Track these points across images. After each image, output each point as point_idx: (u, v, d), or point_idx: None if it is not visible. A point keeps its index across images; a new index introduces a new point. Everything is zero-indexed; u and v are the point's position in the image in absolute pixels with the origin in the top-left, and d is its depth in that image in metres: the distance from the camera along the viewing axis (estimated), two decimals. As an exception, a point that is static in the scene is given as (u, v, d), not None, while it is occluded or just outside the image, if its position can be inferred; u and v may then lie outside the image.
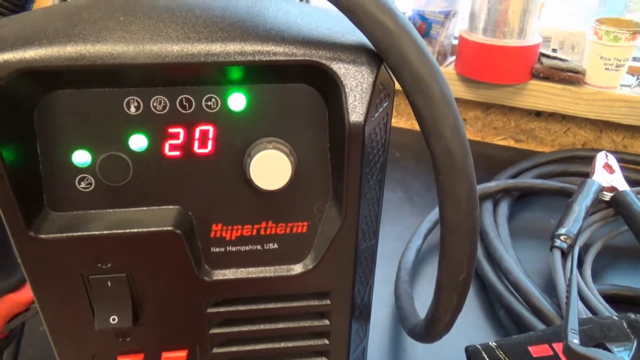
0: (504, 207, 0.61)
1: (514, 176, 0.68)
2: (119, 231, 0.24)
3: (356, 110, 0.22)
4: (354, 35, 0.23)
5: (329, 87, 0.23)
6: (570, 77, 0.70)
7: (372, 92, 0.22)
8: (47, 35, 0.21)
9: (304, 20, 0.24)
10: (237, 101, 0.24)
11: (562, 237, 0.50)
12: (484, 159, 0.76)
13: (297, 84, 0.24)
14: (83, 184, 0.24)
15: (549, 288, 0.50)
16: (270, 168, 0.23)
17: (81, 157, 0.23)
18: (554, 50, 0.76)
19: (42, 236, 0.23)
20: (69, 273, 0.25)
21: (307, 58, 0.22)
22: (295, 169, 0.24)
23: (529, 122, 0.80)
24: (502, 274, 0.51)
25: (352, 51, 0.22)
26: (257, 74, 0.23)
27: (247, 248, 0.26)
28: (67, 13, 0.22)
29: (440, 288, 0.27)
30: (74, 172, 0.24)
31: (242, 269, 0.26)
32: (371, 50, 0.23)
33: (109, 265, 0.25)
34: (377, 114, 0.23)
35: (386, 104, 0.24)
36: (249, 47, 0.22)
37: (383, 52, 0.22)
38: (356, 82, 0.22)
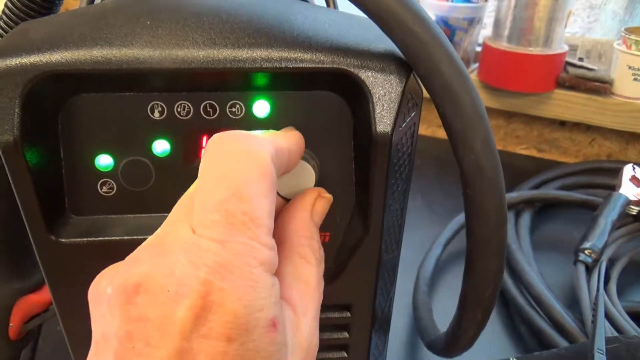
0: (526, 219, 0.60)
1: (537, 187, 0.66)
2: (139, 237, 0.24)
3: (383, 120, 0.22)
4: (383, 42, 0.23)
5: (356, 96, 0.22)
6: (597, 87, 0.69)
7: (400, 102, 0.22)
8: (73, 39, 0.21)
9: (332, 27, 0.23)
10: (261, 108, 0.23)
11: (586, 252, 0.49)
12: (505, 168, 0.74)
13: (323, 91, 0.23)
14: (105, 189, 0.24)
15: (572, 303, 0.49)
16: (294, 176, 0.23)
17: (104, 161, 0.23)
18: (581, 59, 0.75)
19: (63, 240, 0.23)
20: (88, 277, 0.24)
21: (334, 66, 0.22)
22: (319, 178, 0.23)
23: (553, 131, 0.78)
24: (523, 287, 0.50)
25: (380, 59, 0.22)
26: (283, 80, 0.22)
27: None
28: (93, 17, 0.22)
29: (464, 304, 0.26)
30: (97, 176, 0.23)
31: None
32: (400, 59, 0.22)
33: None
34: (405, 123, 0.23)
35: (414, 113, 0.23)
36: (275, 54, 0.21)
37: (413, 61, 0.21)
38: (384, 91, 0.22)
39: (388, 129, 0.22)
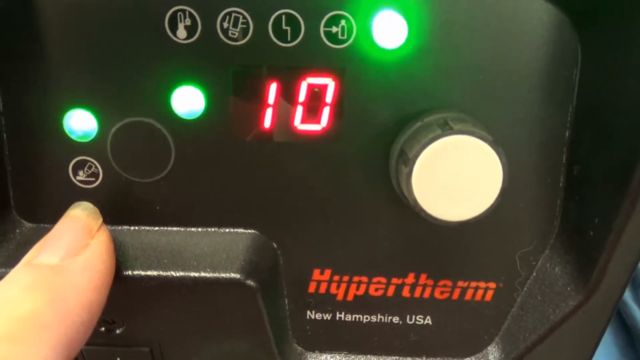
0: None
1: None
2: (139, 273, 0.13)
3: None
4: None
5: (600, 19, 0.11)
6: None
7: None
8: None
9: None
10: (387, 28, 0.12)
11: None
12: None
13: None
14: (82, 175, 0.14)
15: None
16: (456, 176, 0.11)
17: (80, 123, 0.14)
18: None
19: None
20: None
21: None
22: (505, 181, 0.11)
23: None
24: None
25: None
26: None
27: (374, 319, 0.15)
28: None
29: None
30: (68, 151, 0.13)
31: (359, 357, 0.15)
32: None
33: (119, 330, 0.14)
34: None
35: None
36: None
37: None
38: None
39: None
